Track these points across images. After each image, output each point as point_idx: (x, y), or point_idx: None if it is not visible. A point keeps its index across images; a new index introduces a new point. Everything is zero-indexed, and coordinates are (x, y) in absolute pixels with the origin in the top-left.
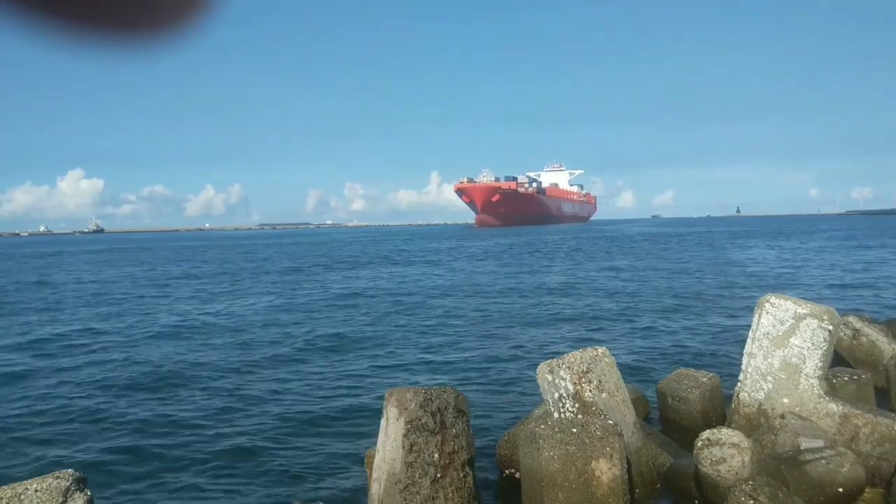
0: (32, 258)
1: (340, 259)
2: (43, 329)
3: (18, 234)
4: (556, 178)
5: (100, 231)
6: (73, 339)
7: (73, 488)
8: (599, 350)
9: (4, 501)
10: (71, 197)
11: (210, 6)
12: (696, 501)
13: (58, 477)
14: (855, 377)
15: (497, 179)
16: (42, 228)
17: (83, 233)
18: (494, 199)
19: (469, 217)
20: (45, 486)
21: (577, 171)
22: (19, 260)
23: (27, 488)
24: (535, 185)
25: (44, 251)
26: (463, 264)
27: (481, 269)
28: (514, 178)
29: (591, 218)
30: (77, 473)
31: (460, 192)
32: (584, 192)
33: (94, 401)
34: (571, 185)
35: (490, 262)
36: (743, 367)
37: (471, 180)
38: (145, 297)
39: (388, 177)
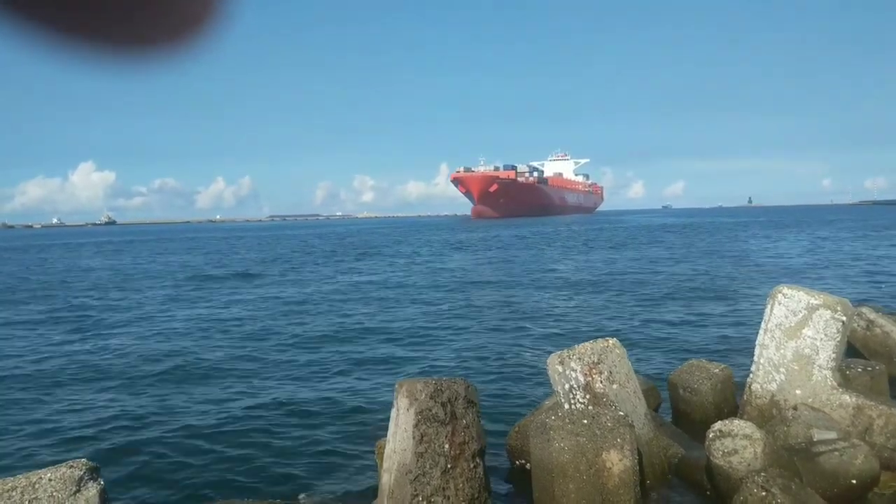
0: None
1: (335, 252)
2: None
3: (31, 227)
4: (560, 168)
5: (112, 223)
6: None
7: (86, 477)
8: (610, 341)
9: (19, 490)
10: (82, 189)
11: (220, 19)
12: (708, 493)
13: (71, 466)
14: (868, 368)
15: (496, 168)
16: (55, 220)
17: (95, 225)
18: (492, 189)
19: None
20: (58, 475)
21: (583, 160)
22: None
23: (41, 477)
24: (536, 174)
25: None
26: (452, 256)
27: (483, 260)
28: (514, 167)
29: (598, 209)
30: (90, 463)
31: (456, 181)
32: (590, 181)
33: (109, 391)
34: (577, 175)
35: (492, 254)
36: (755, 358)
37: (468, 169)
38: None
39: (398, 168)
